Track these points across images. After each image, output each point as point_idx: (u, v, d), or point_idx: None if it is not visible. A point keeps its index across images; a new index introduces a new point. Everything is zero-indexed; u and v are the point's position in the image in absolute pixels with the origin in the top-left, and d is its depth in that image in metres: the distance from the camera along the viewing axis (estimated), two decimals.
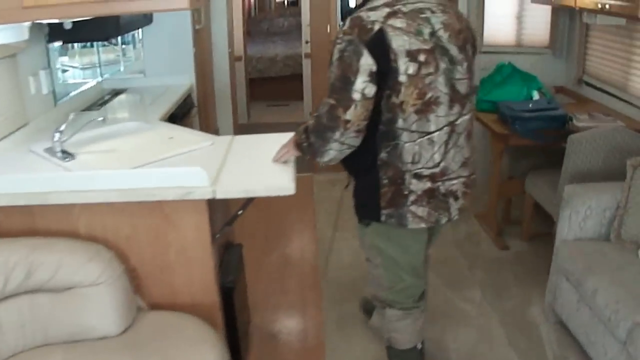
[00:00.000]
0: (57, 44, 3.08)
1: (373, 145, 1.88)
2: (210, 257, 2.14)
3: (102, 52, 3.91)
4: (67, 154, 2.36)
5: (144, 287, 2.20)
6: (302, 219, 4.13)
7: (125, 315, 2.00)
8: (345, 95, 1.78)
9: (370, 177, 1.93)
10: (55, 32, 2.93)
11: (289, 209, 4.19)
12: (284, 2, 10.43)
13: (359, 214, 2.06)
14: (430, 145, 1.86)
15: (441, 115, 1.85)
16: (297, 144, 2.03)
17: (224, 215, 2.25)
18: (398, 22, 1.77)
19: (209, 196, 1.99)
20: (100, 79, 3.84)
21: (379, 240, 2.05)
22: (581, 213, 2.64)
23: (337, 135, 1.83)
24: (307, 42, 5.96)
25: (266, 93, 7.65)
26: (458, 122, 1.90)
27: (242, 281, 2.59)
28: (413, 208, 1.90)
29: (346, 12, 2.18)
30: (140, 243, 2.13)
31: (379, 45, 1.75)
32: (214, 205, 2.09)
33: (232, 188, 2.00)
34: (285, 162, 2.13)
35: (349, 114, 1.78)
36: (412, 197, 1.89)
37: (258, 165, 2.18)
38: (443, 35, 1.84)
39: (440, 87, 1.83)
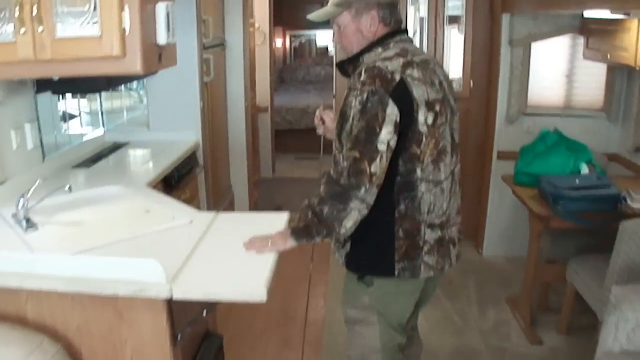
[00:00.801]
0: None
1: (389, 200, 1.87)
2: None
3: (108, 99, 3.83)
4: (31, 224, 2.17)
5: None
6: (315, 294, 3.85)
7: None
8: (370, 147, 1.77)
9: (382, 232, 1.91)
10: (43, 82, 2.78)
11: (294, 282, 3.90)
12: (326, 49, 10.21)
13: (362, 271, 2.01)
14: (441, 195, 1.92)
15: (448, 164, 1.92)
16: (299, 231, 1.89)
17: (191, 311, 1.97)
18: (415, 73, 1.83)
19: (164, 295, 1.73)
20: (103, 129, 3.76)
21: (383, 298, 2.01)
22: (631, 322, 2.27)
23: (362, 192, 1.79)
24: (334, 97, 5.75)
25: (295, 145, 7.48)
26: (456, 170, 1.99)
27: None
28: (426, 259, 1.92)
29: (341, 62, 1.97)
30: (92, 337, 1.89)
31: (403, 96, 1.79)
32: (178, 303, 1.82)
33: (193, 289, 1.74)
34: (262, 253, 1.90)
35: (375, 167, 1.77)
36: (426, 248, 1.92)
37: (233, 257, 1.92)
38: (445, 86, 1.93)
39: (447, 136, 1.91)
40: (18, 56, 1.61)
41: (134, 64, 1.62)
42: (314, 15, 2.03)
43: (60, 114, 3.38)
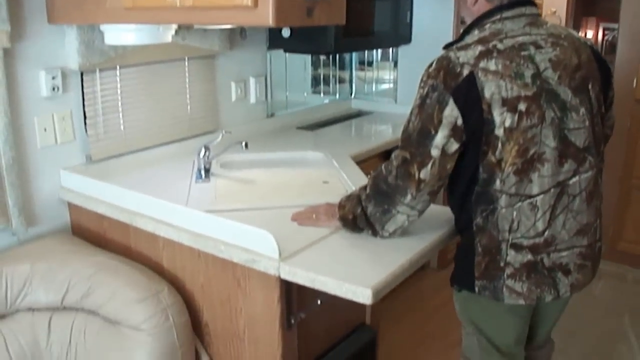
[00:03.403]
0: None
1: (469, 208, 1.71)
2: (277, 344, 1.84)
3: (361, 70, 3.92)
4: (206, 174, 2.31)
5: (214, 348, 2.02)
6: None
7: None
8: (421, 150, 1.62)
9: (465, 242, 1.77)
10: (274, 39, 2.92)
11: None
12: None
13: (452, 276, 1.87)
14: (531, 211, 1.65)
15: (546, 175, 1.63)
16: (348, 222, 1.81)
17: (309, 297, 1.89)
18: (492, 65, 1.57)
19: (272, 271, 1.69)
20: (351, 96, 3.90)
21: (471, 310, 1.90)
22: None
23: (407, 198, 1.66)
24: None
25: None
26: (572, 182, 1.67)
27: None
28: (510, 282, 1.70)
29: (448, 44, 1.68)
30: (212, 298, 1.96)
31: (468, 94, 1.56)
32: (295, 286, 1.78)
33: (300, 271, 1.65)
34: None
35: (424, 173, 1.63)
36: (508, 270, 1.69)
37: (365, 250, 1.78)
38: (551, 76, 1.61)
39: (547, 140, 1.61)
40: (165, 2, 1.69)
41: (265, 16, 1.56)
42: None
43: (310, 76, 3.56)
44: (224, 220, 1.80)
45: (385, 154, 3.11)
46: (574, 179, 1.67)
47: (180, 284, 2.01)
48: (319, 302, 1.88)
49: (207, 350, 2.03)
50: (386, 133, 3.29)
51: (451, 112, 1.57)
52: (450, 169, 1.65)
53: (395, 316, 3.33)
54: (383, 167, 1.72)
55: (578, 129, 1.66)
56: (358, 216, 1.77)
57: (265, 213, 1.99)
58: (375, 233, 1.77)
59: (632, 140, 3.81)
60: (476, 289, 1.75)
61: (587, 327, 3.25)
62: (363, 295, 1.55)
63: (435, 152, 1.61)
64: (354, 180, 2.31)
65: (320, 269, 1.63)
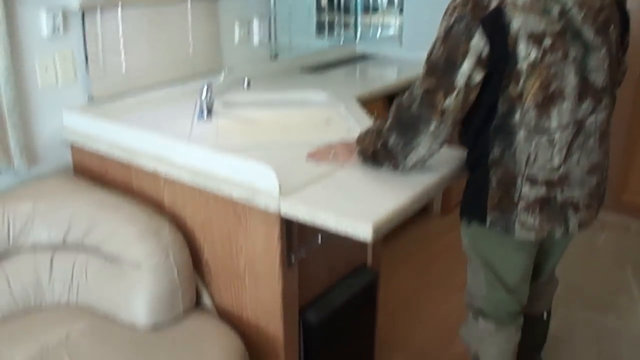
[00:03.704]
0: None
1: (485, 142, 1.73)
2: (278, 282, 1.84)
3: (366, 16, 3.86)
4: (208, 113, 2.30)
5: (214, 286, 2.03)
6: None
7: (159, 310, 1.86)
8: (446, 80, 1.61)
9: (479, 175, 1.79)
10: None
11: None
12: None
13: (462, 209, 1.90)
14: (549, 146, 1.68)
15: (565, 112, 1.66)
16: (367, 156, 1.83)
17: (309, 235, 1.89)
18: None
19: (273, 207, 1.69)
20: (355, 40, 3.86)
21: (480, 243, 1.93)
22: None
23: (431, 126, 1.66)
24: None
25: None
26: (589, 120, 1.70)
27: (352, 322, 2.20)
28: (523, 216, 1.74)
29: None
30: (213, 236, 1.97)
31: (496, 26, 1.58)
32: (295, 223, 1.77)
33: (300, 207, 1.65)
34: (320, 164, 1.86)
35: (449, 101, 1.63)
36: (522, 204, 1.73)
37: (367, 187, 1.77)
38: (576, 14, 1.63)
39: (568, 77, 1.64)
40: None
41: None
42: None
43: (314, 21, 3.52)
44: (224, 155, 1.80)
45: (389, 97, 3.09)
46: (591, 118, 1.70)
47: (181, 222, 2.01)
48: (319, 240, 1.88)
49: (207, 289, 2.04)
50: (391, 76, 3.25)
51: (478, 43, 1.57)
52: (472, 100, 1.65)
53: (397, 260, 3.35)
54: (405, 97, 1.71)
55: (598, 69, 1.67)
56: (379, 150, 1.77)
57: (267, 151, 1.97)
58: (396, 166, 1.77)
59: None
60: (488, 222, 1.79)
61: (589, 278, 3.26)
62: (363, 232, 1.54)
63: (460, 82, 1.61)
64: (358, 119, 2.29)
65: (321, 205, 1.63)
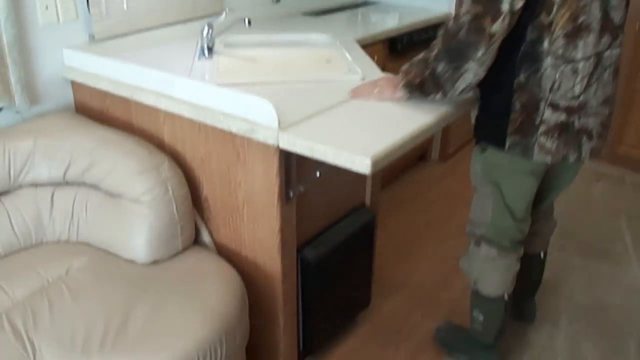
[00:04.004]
0: None
1: (512, 67, 1.80)
2: (276, 218, 1.86)
3: None
4: (209, 52, 2.29)
5: (213, 222, 2.05)
6: None
7: (158, 245, 1.89)
8: (493, 5, 1.66)
9: (501, 99, 1.86)
10: None
11: None
12: None
13: (479, 135, 2.01)
14: (573, 75, 1.78)
15: (590, 44, 1.76)
16: (414, 86, 1.84)
17: (307, 170, 1.90)
18: None
19: (272, 141, 1.70)
20: None
21: (492, 169, 2.00)
22: None
23: (480, 52, 1.69)
24: None
25: None
26: (606, 54, 1.81)
27: (350, 261, 2.24)
28: (542, 139, 1.84)
29: None
30: (212, 172, 1.98)
31: None
32: (294, 158, 1.78)
33: (299, 140, 1.65)
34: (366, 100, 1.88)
35: (496, 26, 1.66)
36: (543, 128, 1.83)
37: (368, 122, 1.77)
38: None
39: (595, 12, 1.73)
40: None
41: None
42: None
43: None
44: (223, 89, 1.80)
45: (390, 41, 3.08)
46: (608, 52, 1.80)
47: (180, 157, 2.02)
48: (317, 174, 1.89)
49: (206, 226, 2.07)
50: (392, 21, 3.22)
51: None
52: (511, 26, 1.69)
53: (395, 205, 3.39)
54: (450, 25, 1.74)
55: (617, 7, 1.76)
56: (426, 78, 1.79)
57: (266, 87, 1.97)
58: (445, 94, 1.80)
59: None
60: (507, 145, 1.88)
61: (585, 227, 3.31)
62: (362, 164, 1.55)
63: (505, 7, 1.65)
64: (358, 60, 2.29)
65: (319, 138, 1.64)
